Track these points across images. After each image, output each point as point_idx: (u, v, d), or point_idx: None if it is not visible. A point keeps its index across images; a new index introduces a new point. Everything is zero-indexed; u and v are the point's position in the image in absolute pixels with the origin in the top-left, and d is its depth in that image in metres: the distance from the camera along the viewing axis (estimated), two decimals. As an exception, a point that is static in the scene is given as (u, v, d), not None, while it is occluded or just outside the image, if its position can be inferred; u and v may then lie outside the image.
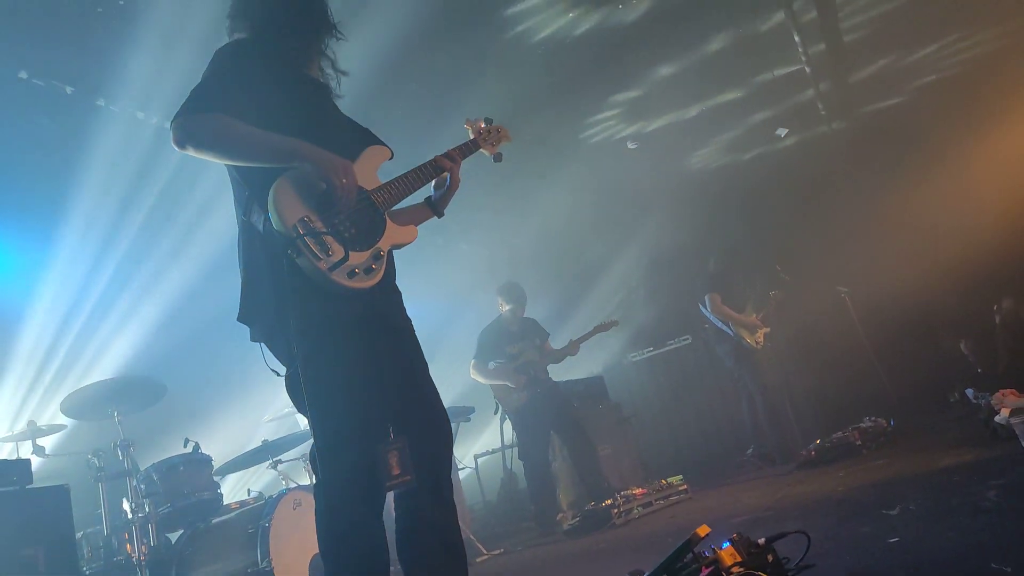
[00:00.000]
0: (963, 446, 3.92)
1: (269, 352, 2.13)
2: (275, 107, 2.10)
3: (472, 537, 5.37)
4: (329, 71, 2.40)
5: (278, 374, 2.09)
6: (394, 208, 2.30)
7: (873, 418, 5.29)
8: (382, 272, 2.09)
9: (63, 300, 5.61)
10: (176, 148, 2.02)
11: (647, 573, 2.13)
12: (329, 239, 1.99)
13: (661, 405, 7.53)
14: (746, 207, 7.56)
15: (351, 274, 1.99)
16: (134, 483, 4.24)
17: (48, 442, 4.45)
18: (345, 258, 1.97)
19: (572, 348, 5.93)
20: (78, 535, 4.06)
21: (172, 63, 4.62)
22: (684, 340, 7.62)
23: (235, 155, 2.06)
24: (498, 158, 2.69)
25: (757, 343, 6.23)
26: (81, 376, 5.45)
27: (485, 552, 5.17)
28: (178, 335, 5.74)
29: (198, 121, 2.01)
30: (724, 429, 7.00)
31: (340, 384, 2.04)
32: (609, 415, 7.01)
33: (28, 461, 3.37)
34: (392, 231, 2.18)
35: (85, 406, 4.49)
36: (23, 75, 4.83)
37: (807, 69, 7.02)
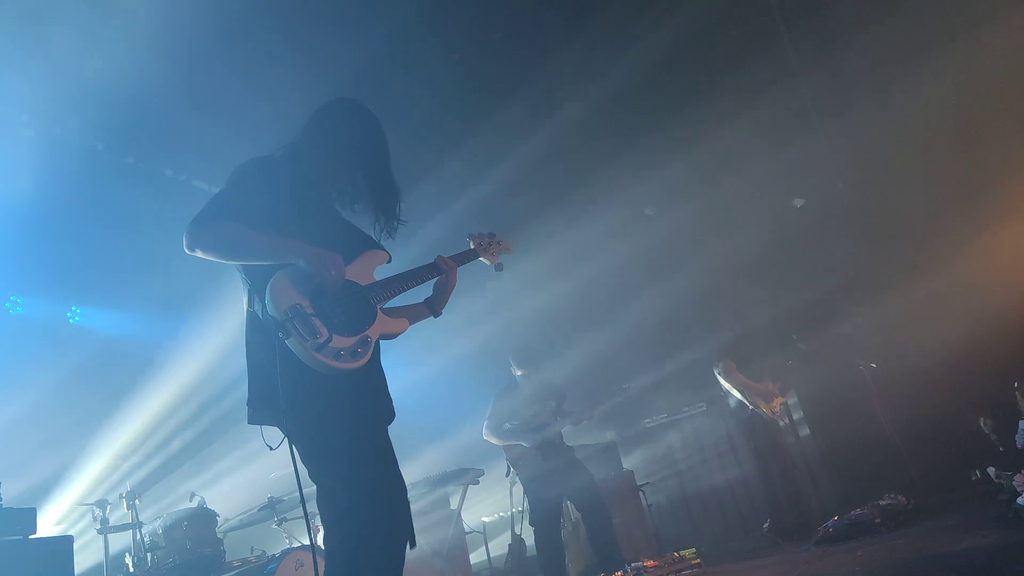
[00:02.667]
0: (985, 527, 3.80)
1: (271, 430, 2.28)
2: (282, 216, 2.33)
3: (477, 605, 5.24)
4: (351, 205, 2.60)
5: (271, 448, 2.26)
6: (390, 304, 2.50)
7: (893, 495, 5.16)
8: (368, 356, 2.26)
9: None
10: (187, 252, 2.25)
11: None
12: (317, 322, 2.17)
13: (675, 474, 7.38)
14: (762, 274, 7.54)
15: (336, 355, 2.16)
16: (138, 536, 4.20)
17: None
18: (329, 339, 2.15)
19: (588, 412, 5.86)
20: (78, 588, 4.00)
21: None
22: (699, 407, 7.51)
23: (237, 257, 2.30)
24: (499, 267, 2.91)
25: (773, 413, 6.13)
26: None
27: (490, 621, 5.03)
28: (192, 390, 5.75)
29: (206, 228, 2.24)
30: (740, 501, 6.84)
31: (345, 453, 2.19)
32: (621, 483, 6.89)
33: (34, 510, 3.35)
34: (382, 322, 2.37)
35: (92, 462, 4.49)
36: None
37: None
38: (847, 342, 6.88)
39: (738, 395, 6.13)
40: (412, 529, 2.29)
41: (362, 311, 2.32)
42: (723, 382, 6.22)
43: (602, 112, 6.48)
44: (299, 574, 4.05)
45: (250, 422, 2.31)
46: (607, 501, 5.81)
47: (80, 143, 5.01)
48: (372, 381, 2.36)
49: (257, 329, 2.31)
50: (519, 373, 5.98)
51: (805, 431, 6.62)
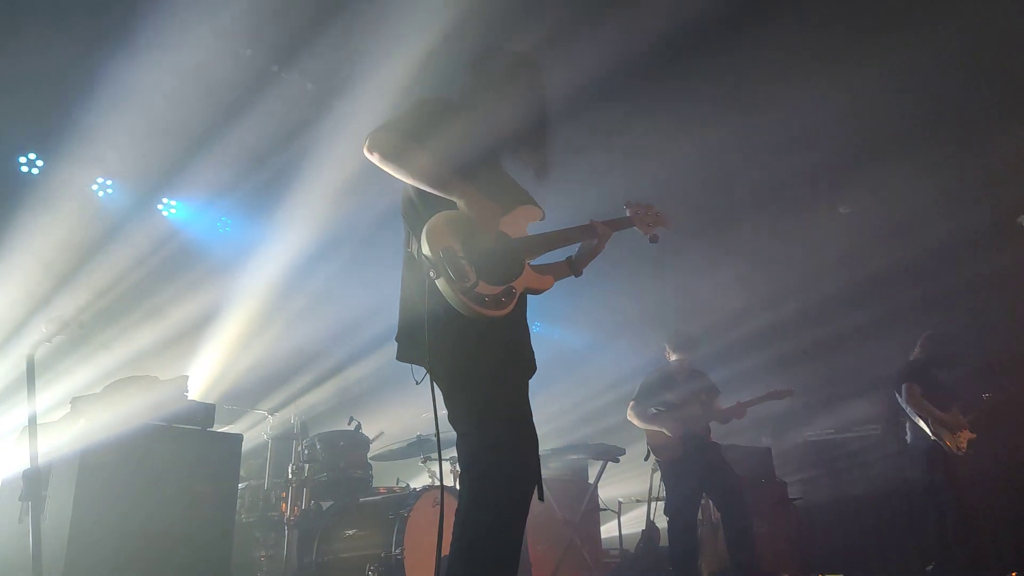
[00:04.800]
0: None
1: (419, 369, 2.34)
2: (450, 153, 2.35)
3: (601, 582, 5.21)
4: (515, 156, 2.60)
5: (417, 382, 2.33)
6: (538, 260, 2.51)
7: (1092, 564, 4.47)
8: (511, 307, 2.27)
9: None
10: (366, 154, 2.33)
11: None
12: (466, 266, 2.20)
13: (834, 495, 6.86)
14: (970, 293, 6.73)
15: (481, 301, 2.19)
16: (299, 448, 4.56)
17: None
18: (476, 283, 2.18)
19: (739, 410, 5.56)
20: (241, 485, 4.41)
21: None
22: (872, 429, 6.92)
23: (409, 175, 2.34)
24: (654, 239, 2.82)
25: (959, 448, 5.50)
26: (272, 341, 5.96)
27: (612, 600, 4.99)
28: (362, 317, 6.11)
29: (391, 137, 2.31)
30: (904, 537, 6.24)
31: (483, 399, 2.24)
32: (771, 492, 6.53)
33: (214, 406, 3.72)
34: (529, 276, 2.39)
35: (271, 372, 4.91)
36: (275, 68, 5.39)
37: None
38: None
39: (920, 423, 5.57)
40: (541, 482, 2.31)
41: (510, 262, 2.35)
42: (904, 406, 5.68)
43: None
44: (436, 511, 4.21)
45: (398, 358, 2.41)
46: (753, 508, 5.53)
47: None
48: (516, 332, 2.38)
49: (410, 267, 2.39)
50: (673, 358, 5.81)
51: (993, 475, 5.88)
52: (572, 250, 2.69)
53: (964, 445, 5.53)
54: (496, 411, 2.24)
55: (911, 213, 6.88)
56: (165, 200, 6.31)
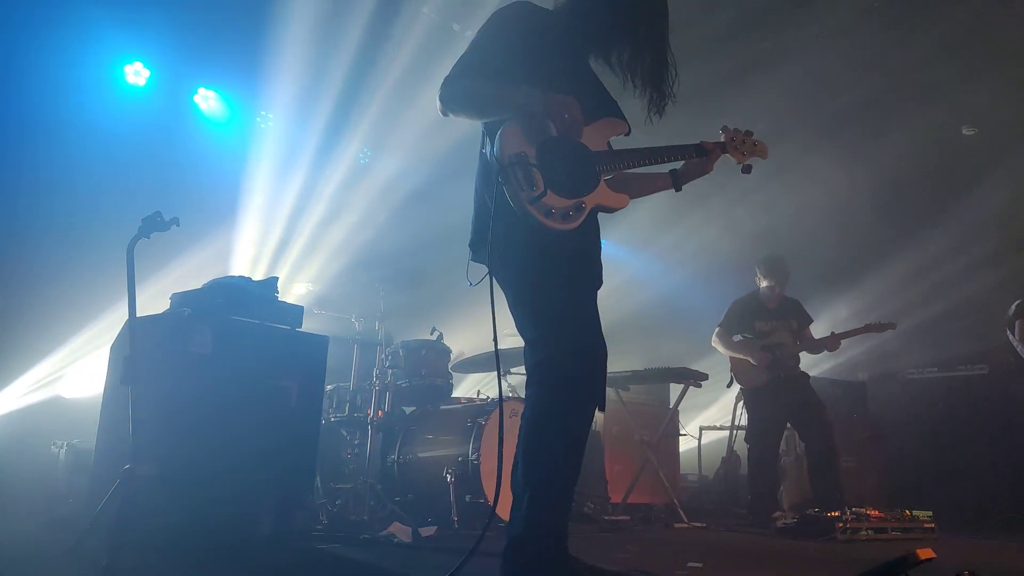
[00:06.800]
0: None
1: (483, 269, 2.31)
2: (527, 67, 2.27)
3: (676, 503, 5.21)
4: (621, 74, 2.48)
5: (471, 283, 2.32)
6: (635, 171, 2.45)
7: None
8: (579, 222, 2.19)
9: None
10: (442, 116, 2.31)
11: (845, 580, 1.85)
12: (537, 175, 2.13)
13: (930, 434, 6.53)
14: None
15: (548, 212, 2.12)
16: (383, 354, 4.70)
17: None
18: (544, 193, 2.11)
19: (832, 342, 5.33)
20: (329, 387, 4.60)
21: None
22: (980, 368, 6.49)
23: (486, 113, 2.31)
24: (746, 169, 2.69)
25: (1074, 392, 5.13)
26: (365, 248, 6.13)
27: (686, 521, 5.00)
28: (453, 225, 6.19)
29: (451, 89, 2.26)
30: (1005, 481, 5.89)
31: (547, 308, 2.24)
32: (862, 427, 6.31)
33: (302, 308, 3.85)
34: (603, 192, 2.28)
35: (359, 279, 5.02)
36: None
37: None
38: None
39: (1032, 362, 5.20)
40: (604, 394, 2.31)
41: (584, 176, 2.26)
42: (1016, 344, 5.29)
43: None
44: (512, 421, 4.27)
45: (472, 260, 2.39)
46: (841, 442, 5.36)
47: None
48: (584, 245, 2.32)
49: (484, 171, 2.36)
50: (764, 284, 5.61)
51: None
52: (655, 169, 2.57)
53: (1081, 389, 5.14)
54: (562, 321, 2.23)
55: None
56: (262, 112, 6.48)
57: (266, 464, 3.36)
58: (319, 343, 3.84)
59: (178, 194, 4.94)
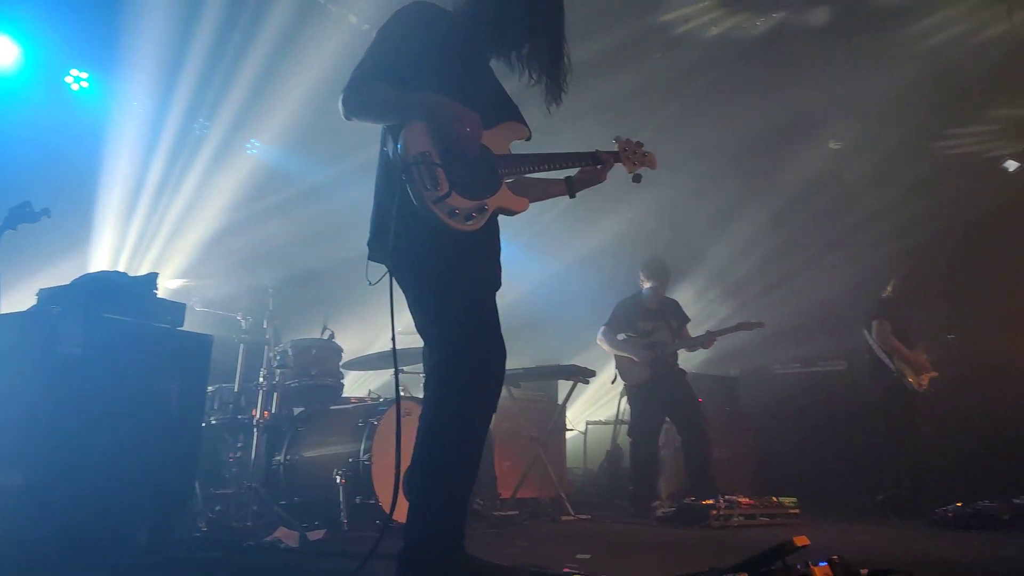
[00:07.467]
0: None
1: (383, 269, 2.30)
2: (429, 72, 2.28)
3: (563, 496, 5.35)
4: (519, 69, 2.51)
5: (370, 283, 2.29)
6: (533, 176, 2.49)
7: (1033, 498, 4.66)
8: (482, 224, 2.22)
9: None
10: (347, 121, 2.28)
11: (727, 567, 1.98)
12: (440, 174, 2.14)
13: (793, 426, 7.02)
14: (948, 233, 6.77)
15: (451, 213, 2.14)
16: (271, 353, 4.55)
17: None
18: (448, 194, 2.12)
19: (708, 340, 5.65)
20: (211, 388, 4.41)
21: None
22: (838, 365, 7.04)
23: (386, 119, 2.31)
24: (636, 179, 2.80)
25: (920, 386, 5.66)
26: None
27: (572, 514, 5.14)
28: (340, 226, 6.06)
29: (354, 95, 2.24)
30: (857, 468, 6.42)
31: (447, 308, 2.25)
32: (735, 420, 6.70)
33: (184, 306, 3.66)
34: (504, 195, 2.32)
35: (246, 276, 4.84)
36: None
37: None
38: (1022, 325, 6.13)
39: (885, 358, 5.69)
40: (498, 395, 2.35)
41: (487, 179, 2.28)
42: (872, 342, 5.79)
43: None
44: (406, 421, 4.24)
45: (369, 258, 2.36)
46: (715, 434, 5.69)
47: None
48: (485, 247, 2.35)
49: (385, 169, 2.34)
50: (647, 285, 5.86)
51: (950, 412, 6.04)
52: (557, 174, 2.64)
53: (926, 383, 5.69)
54: (462, 322, 2.24)
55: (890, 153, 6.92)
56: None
57: (143, 471, 3.18)
58: (202, 342, 3.67)
59: (45, 184, 4.57)
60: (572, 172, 2.67)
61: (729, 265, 8.32)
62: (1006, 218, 6.66)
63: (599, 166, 2.64)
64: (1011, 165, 6.66)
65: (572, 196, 2.67)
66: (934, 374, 5.75)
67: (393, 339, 2.31)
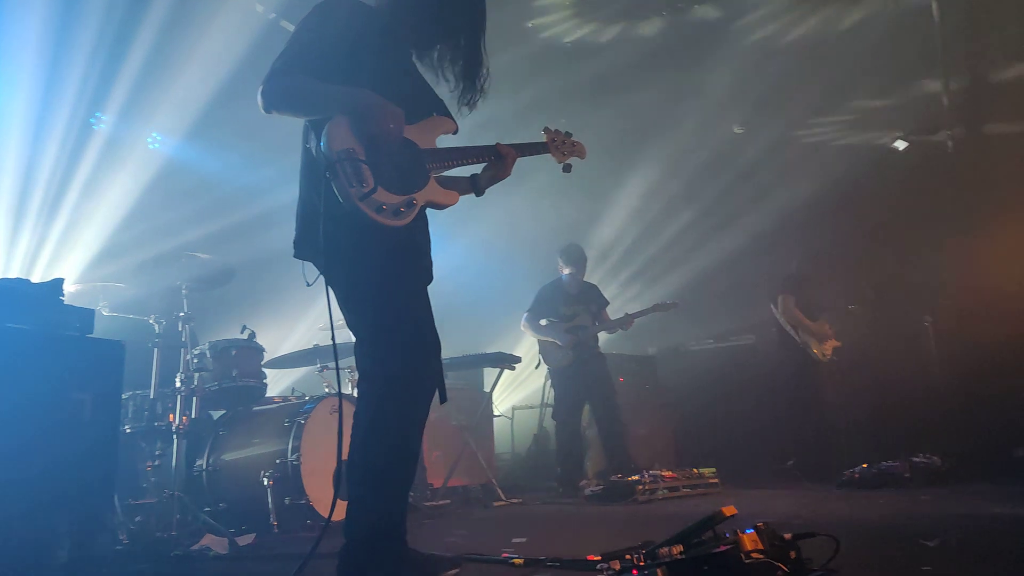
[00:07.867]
0: (1020, 501, 3.69)
1: (312, 268, 2.30)
2: (352, 65, 2.25)
3: (493, 482, 5.42)
4: (439, 71, 2.51)
5: (308, 284, 2.26)
6: (444, 174, 2.47)
7: (929, 455, 5.04)
8: (409, 219, 2.21)
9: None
10: (264, 114, 2.22)
11: (662, 540, 2.07)
12: (366, 171, 2.12)
13: (709, 399, 7.31)
14: (842, 211, 7.17)
15: (378, 209, 2.12)
16: (188, 356, 4.40)
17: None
18: (374, 190, 2.10)
19: (626, 322, 5.82)
20: (125, 395, 4.23)
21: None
22: (747, 339, 7.38)
23: (308, 112, 2.26)
24: (566, 168, 2.83)
25: (824, 355, 6.00)
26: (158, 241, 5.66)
27: (503, 499, 5.22)
28: (255, 223, 5.89)
29: (273, 86, 2.19)
30: (769, 436, 6.76)
31: (378, 305, 2.24)
32: (653, 397, 6.92)
33: (93, 311, 3.50)
34: (433, 189, 2.32)
35: (158, 274, 4.63)
36: None
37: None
38: (916, 294, 6.58)
39: (790, 330, 6.00)
40: (443, 385, 2.35)
41: (414, 173, 2.27)
42: (779, 316, 6.09)
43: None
44: (333, 419, 4.20)
45: (295, 256, 2.34)
46: (636, 412, 5.90)
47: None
48: (415, 242, 2.35)
49: (309, 167, 2.30)
50: (566, 272, 5.98)
51: (853, 378, 6.44)
52: (475, 169, 2.63)
53: (829, 352, 6.03)
54: (394, 317, 2.24)
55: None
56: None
57: (59, 484, 3.05)
58: (114, 349, 3.52)
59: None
60: (478, 169, 2.62)
61: (641, 248, 8.58)
62: (895, 198, 7.10)
63: (501, 160, 2.57)
64: (900, 145, 7.09)
65: (479, 194, 2.62)
66: (837, 344, 6.11)
67: (333, 337, 2.31)
